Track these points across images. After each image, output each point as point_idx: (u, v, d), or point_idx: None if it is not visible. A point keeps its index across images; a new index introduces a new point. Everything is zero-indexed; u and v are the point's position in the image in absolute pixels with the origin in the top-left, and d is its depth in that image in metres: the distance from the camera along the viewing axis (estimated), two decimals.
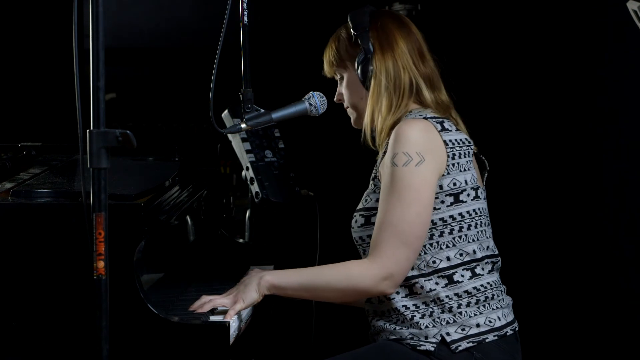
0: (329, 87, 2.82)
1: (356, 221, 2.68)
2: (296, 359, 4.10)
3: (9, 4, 4.41)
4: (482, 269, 2.65)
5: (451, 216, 2.61)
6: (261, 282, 2.64)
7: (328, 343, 3.45)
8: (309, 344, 3.26)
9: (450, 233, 2.61)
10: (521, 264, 3.90)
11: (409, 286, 2.62)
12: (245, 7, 2.71)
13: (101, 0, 2.03)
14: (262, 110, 2.73)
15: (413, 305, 2.62)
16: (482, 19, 4.17)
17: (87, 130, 2.04)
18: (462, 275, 2.61)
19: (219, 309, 2.64)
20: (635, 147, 3.90)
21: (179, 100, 4.44)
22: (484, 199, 2.69)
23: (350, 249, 2.79)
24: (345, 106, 2.79)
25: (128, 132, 2.03)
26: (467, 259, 2.62)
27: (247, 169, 3.04)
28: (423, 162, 2.55)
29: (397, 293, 2.62)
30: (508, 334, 2.65)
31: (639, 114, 3.89)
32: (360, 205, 2.69)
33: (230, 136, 3.06)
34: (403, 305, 2.62)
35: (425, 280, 2.61)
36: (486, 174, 2.78)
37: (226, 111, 3.00)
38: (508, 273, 2.82)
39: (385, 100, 2.67)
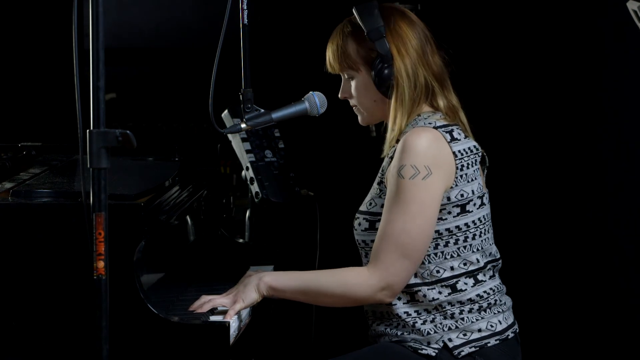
0: (329, 87, 2.82)
1: (360, 224, 2.67)
2: None
3: (9, 4, 4.40)
4: (484, 275, 2.64)
5: (457, 226, 2.60)
6: (260, 283, 2.63)
7: (328, 343, 3.45)
8: (309, 344, 3.26)
9: (456, 243, 2.60)
10: (521, 264, 3.90)
11: (410, 293, 2.61)
12: (245, 7, 2.71)
13: (101, 0, 2.03)
14: (262, 110, 2.72)
15: (415, 312, 2.61)
16: (482, 19, 4.17)
17: (87, 130, 2.04)
18: (465, 283, 2.61)
19: (218, 309, 2.64)
20: (635, 147, 3.90)
21: (179, 100, 4.43)
22: (488, 202, 2.68)
23: (351, 249, 2.78)
24: (352, 104, 2.75)
25: (128, 132, 2.03)
26: (470, 268, 2.61)
27: (247, 169, 3.04)
28: (430, 176, 2.53)
29: (399, 299, 2.61)
30: (509, 337, 2.65)
31: (639, 114, 3.89)
32: (364, 208, 2.67)
33: (230, 136, 3.05)
34: (404, 312, 2.61)
35: (428, 289, 2.60)
36: (486, 170, 2.77)
37: (226, 111, 3.00)
38: (508, 273, 2.81)
39: (407, 104, 2.63)
